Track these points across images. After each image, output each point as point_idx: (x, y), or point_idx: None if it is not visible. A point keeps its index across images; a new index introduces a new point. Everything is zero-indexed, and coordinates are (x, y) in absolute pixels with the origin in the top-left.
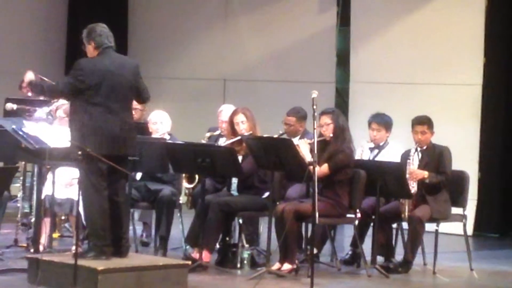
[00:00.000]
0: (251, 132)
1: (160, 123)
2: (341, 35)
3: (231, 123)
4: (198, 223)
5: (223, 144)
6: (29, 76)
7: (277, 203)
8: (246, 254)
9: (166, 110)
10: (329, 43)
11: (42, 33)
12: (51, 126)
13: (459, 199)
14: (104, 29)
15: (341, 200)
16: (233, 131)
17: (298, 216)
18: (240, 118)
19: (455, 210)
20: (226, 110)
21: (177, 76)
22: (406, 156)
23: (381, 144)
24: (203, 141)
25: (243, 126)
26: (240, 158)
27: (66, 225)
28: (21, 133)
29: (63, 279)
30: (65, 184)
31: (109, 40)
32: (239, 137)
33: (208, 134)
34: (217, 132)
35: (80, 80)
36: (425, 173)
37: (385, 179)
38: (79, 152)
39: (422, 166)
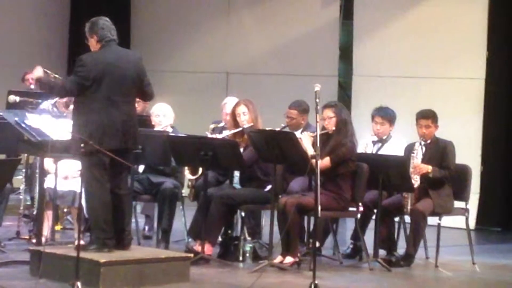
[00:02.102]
0: (252, 124)
1: (163, 116)
2: (344, 29)
3: (233, 114)
4: (200, 216)
5: (224, 135)
6: (38, 72)
7: (280, 196)
8: (248, 247)
9: (169, 103)
10: (332, 37)
11: (45, 26)
12: (56, 119)
13: (461, 193)
14: (106, 22)
15: (344, 193)
16: (234, 123)
17: (300, 209)
18: (241, 109)
19: (458, 204)
20: (230, 103)
21: (180, 69)
22: (410, 149)
23: (384, 137)
24: (207, 133)
25: (244, 118)
26: (241, 150)
27: (69, 217)
28: (23, 125)
29: (65, 272)
30: (69, 176)
31: (111, 33)
32: (240, 129)
33: (212, 126)
34: (221, 125)
35: (84, 77)
36: (429, 168)
37: (387, 173)
38: (82, 145)
39: (425, 160)
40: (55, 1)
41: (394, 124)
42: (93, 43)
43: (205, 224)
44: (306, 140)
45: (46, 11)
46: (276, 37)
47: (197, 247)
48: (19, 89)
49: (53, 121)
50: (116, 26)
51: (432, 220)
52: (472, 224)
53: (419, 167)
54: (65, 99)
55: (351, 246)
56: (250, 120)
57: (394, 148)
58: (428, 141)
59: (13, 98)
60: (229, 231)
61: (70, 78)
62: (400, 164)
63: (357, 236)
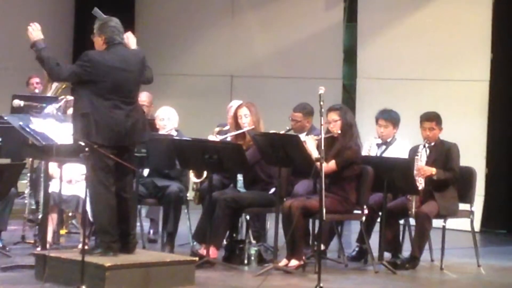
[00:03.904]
0: (253, 126)
1: (168, 120)
2: (348, 31)
3: (235, 116)
4: (205, 219)
5: (224, 137)
6: (38, 34)
7: (284, 199)
8: (253, 250)
9: (173, 107)
10: (336, 39)
11: (49, 29)
12: (60, 123)
13: (466, 195)
14: (116, 25)
15: (348, 196)
16: (236, 124)
17: (305, 212)
18: (243, 111)
19: (463, 206)
20: (236, 106)
21: (184, 72)
22: (414, 152)
23: (388, 140)
24: (213, 136)
25: (245, 120)
26: None
27: (73, 221)
28: (28, 129)
29: (70, 276)
30: (73, 180)
31: (120, 36)
32: (242, 131)
33: (217, 129)
34: (226, 128)
35: (86, 71)
36: (433, 170)
37: (392, 175)
38: (86, 149)
39: (430, 162)
40: (59, 4)
41: (398, 126)
42: (99, 42)
43: (210, 227)
44: (310, 143)
45: (50, 14)
46: (280, 40)
47: (202, 251)
48: (24, 94)
49: (58, 125)
50: None
51: (437, 223)
52: (477, 226)
53: (423, 170)
54: (62, 103)
55: (356, 248)
56: (251, 123)
57: (398, 150)
58: (433, 144)
59: (17, 102)
60: (234, 235)
61: (69, 66)
62: (405, 167)
63: (363, 239)
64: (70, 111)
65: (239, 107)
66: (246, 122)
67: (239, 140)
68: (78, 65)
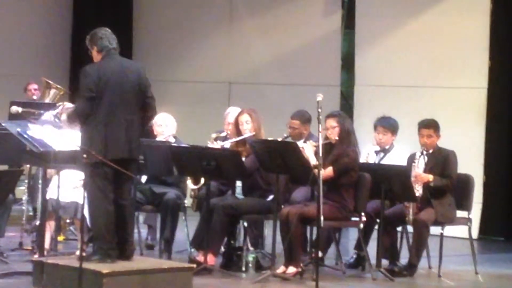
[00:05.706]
0: (254, 133)
1: (165, 126)
2: (346, 38)
3: (236, 123)
4: (203, 226)
5: (225, 143)
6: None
7: (282, 206)
8: (251, 257)
9: (171, 113)
10: (334, 46)
11: (47, 36)
12: (58, 130)
13: (464, 202)
14: (106, 32)
15: (346, 203)
16: (237, 131)
17: (303, 219)
18: (244, 118)
19: (460, 214)
20: (233, 113)
21: (182, 79)
22: (412, 159)
23: (386, 147)
24: (209, 142)
25: (247, 126)
26: (243, 158)
27: (71, 228)
28: (26, 136)
29: (68, 282)
30: (72, 187)
31: (111, 42)
32: (242, 137)
33: (214, 135)
34: (223, 134)
35: (91, 89)
36: (430, 177)
37: (390, 183)
38: (85, 155)
39: (427, 169)
40: (57, 11)
41: (396, 133)
42: (94, 55)
43: (207, 234)
44: (308, 150)
45: (48, 21)
46: (278, 46)
47: (200, 258)
48: (22, 100)
49: (56, 132)
50: (117, 36)
51: (434, 230)
52: (474, 233)
53: (420, 177)
54: (59, 109)
55: (354, 256)
56: (252, 129)
57: (396, 157)
58: (430, 151)
59: (15, 109)
60: (232, 241)
61: (79, 99)
62: (402, 174)
63: (360, 246)
64: (63, 116)
65: (240, 113)
66: (247, 129)
67: (239, 147)
68: (82, 88)
